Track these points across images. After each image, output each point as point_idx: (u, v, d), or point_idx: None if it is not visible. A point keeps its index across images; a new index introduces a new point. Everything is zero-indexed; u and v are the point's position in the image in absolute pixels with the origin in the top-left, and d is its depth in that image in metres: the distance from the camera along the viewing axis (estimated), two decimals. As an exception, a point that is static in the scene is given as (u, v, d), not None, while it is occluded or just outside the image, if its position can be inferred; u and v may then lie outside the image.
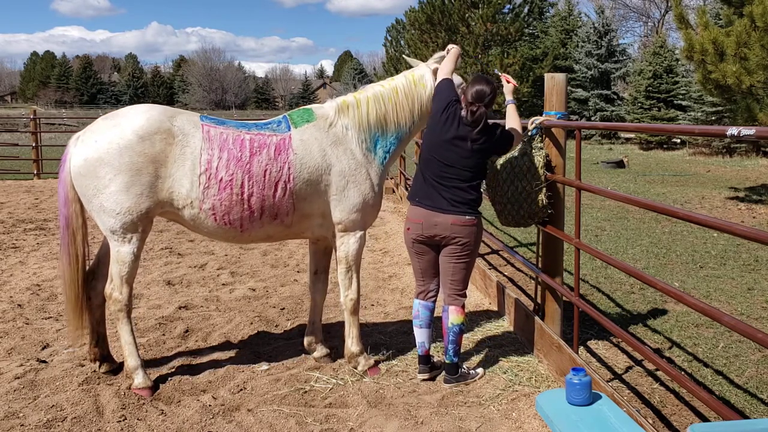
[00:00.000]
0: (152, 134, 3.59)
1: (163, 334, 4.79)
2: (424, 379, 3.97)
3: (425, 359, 4.01)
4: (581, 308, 3.87)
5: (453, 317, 3.89)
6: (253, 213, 3.74)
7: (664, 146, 23.87)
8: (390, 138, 4.07)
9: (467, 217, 3.78)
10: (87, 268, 3.96)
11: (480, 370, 4.07)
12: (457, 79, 4.08)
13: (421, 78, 4.11)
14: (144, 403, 3.66)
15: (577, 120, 24.26)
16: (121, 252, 3.68)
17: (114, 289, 3.74)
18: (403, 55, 4.30)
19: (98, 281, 3.98)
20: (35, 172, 14.87)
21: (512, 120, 4.02)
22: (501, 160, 4.30)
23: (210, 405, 3.64)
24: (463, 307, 3.92)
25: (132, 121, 3.62)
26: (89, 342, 3.99)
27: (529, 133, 4.32)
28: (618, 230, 8.90)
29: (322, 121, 3.96)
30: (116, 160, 3.53)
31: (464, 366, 4.06)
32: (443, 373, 3.98)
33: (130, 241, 3.67)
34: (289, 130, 3.89)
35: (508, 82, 4.12)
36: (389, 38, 30.38)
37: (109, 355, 4.09)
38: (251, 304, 5.57)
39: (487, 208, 9.23)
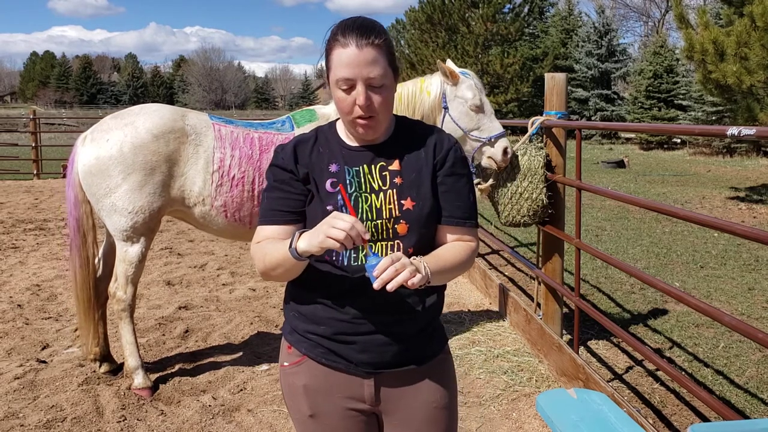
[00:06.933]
0: (166, 133, 3.60)
1: (163, 335, 4.79)
2: None
3: None
4: (582, 308, 3.87)
5: None
6: None
7: (665, 146, 23.86)
8: None
9: None
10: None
11: None
12: (468, 93, 3.94)
13: (429, 86, 4.09)
14: (144, 404, 3.66)
15: (577, 120, 24.24)
16: (129, 252, 3.68)
17: (118, 288, 3.73)
18: (444, 61, 4.20)
19: (101, 282, 3.99)
20: (35, 172, 14.84)
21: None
22: None
23: (210, 405, 3.63)
24: None
25: (146, 119, 3.63)
26: (90, 342, 3.99)
27: (530, 133, 4.32)
28: (618, 230, 8.89)
29: (323, 121, 4.00)
30: (130, 158, 3.54)
31: None
32: None
33: (139, 241, 3.67)
34: (293, 129, 3.95)
35: None
36: (389, 38, 30.33)
37: (109, 355, 4.09)
38: (251, 304, 5.56)
39: (487, 207, 9.18)
